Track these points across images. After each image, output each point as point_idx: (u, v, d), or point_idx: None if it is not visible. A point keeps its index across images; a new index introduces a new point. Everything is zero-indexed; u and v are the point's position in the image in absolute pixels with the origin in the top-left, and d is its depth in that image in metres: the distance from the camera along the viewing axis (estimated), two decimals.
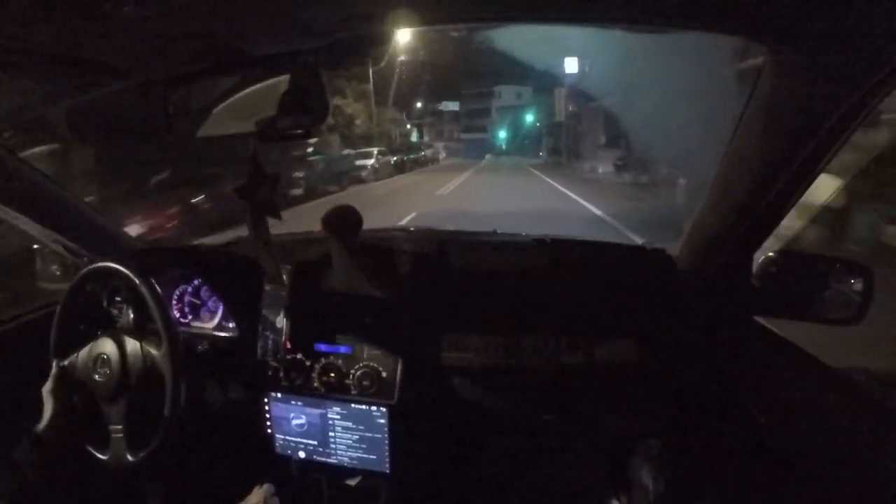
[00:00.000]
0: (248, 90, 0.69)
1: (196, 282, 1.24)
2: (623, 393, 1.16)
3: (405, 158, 22.76)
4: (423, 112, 42.18)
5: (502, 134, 42.88)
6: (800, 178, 0.77)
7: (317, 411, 1.11)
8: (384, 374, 1.06)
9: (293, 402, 1.12)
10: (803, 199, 0.81)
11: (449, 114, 48.08)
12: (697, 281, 1.06)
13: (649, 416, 1.18)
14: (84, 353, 1.00)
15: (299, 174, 11.09)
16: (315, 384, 1.09)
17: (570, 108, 24.29)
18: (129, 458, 0.95)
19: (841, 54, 0.56)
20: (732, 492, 1.01)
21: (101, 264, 1.04)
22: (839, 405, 0.77)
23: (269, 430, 1.15)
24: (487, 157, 36.95)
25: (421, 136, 39.44)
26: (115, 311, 1.11)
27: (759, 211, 0.84)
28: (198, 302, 1.24)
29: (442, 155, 39.57)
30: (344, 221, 1.14)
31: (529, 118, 38.83)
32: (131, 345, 1.00)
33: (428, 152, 31.52)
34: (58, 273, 1.31)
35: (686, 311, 1.09)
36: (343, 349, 1.09)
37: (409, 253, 1.16)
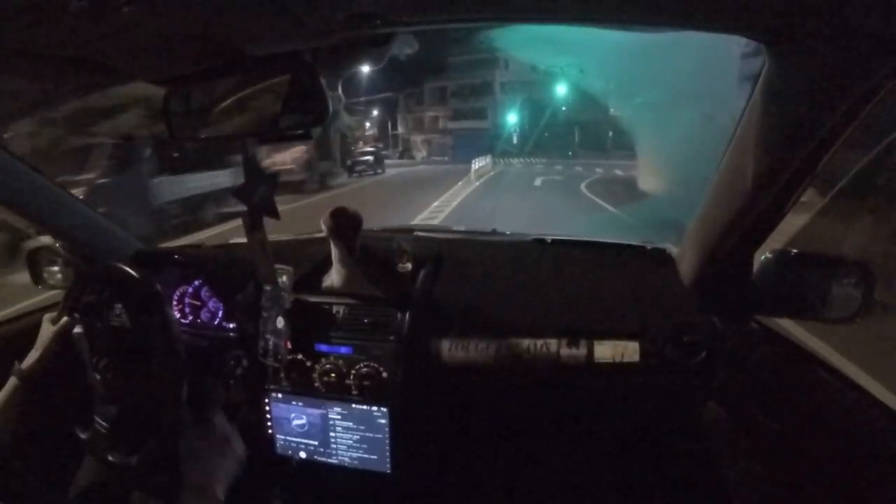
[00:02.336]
0: (248, 90, 0.68)
1: (196, 282, 1.23)
2: (623, 393, 1.16)
3: None
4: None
5: (512, 120, 25.96)
6: (800, 177, 0.77)
7: (317, 412, 1.11)
8: (384, 375, 1.06)
9: (294, 403, 1.12)
10: None
11: (432, 91, 27.67)
12: (697, 281, 1.06)
13: (649, 416, 1.18)
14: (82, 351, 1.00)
15: None
16: (316, 384, 1.09)
17: None
18: (111, 458, 0.94)
19: (841, 53, 0.56)
20: (736, 493, 1.01)
21: (101, 264, 1.04)
22: (841, 404, 0.77)
23: (269, 431, 1.15)
24: (478, 165, 17.77)
25: (394, 126, 25.21)
26: (114, 312, 1.11)
27: (759, 210, 0.84)
28: (198, 302, 1.24)
29: (421, 154, 25.36)
30: (344, 222, 1.14)
31: (561, 93, 22.44)
32: (131, 346, 0.99)
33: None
34: (58, 273, 1.31)
35: (686, 311, 1.09)
36: (343, 349, 1.09)
37: (410, 253, 1.16)
